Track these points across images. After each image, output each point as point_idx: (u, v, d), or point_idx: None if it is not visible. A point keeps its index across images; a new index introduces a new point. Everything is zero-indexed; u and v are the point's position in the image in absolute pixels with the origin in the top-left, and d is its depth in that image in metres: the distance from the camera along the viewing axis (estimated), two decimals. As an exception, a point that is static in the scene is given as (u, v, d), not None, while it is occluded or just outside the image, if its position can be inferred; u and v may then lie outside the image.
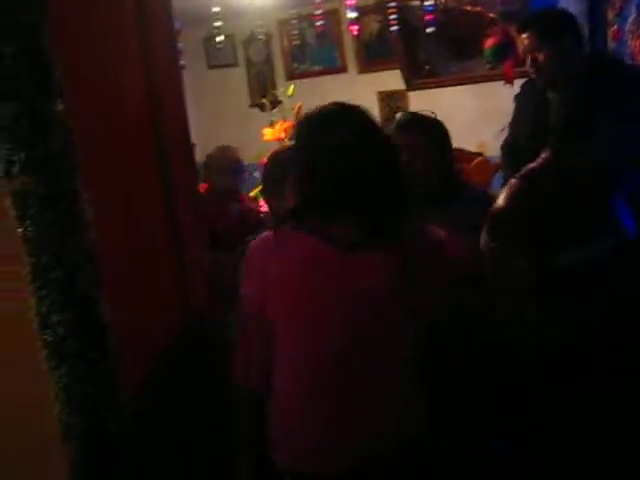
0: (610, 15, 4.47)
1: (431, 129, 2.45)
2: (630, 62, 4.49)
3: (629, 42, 4.48)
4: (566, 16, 2.97)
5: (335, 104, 1.75)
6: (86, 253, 0.89)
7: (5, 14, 0.83)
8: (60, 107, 0.87)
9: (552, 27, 2.90)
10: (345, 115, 1.71)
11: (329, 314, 1.55)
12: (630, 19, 4.46)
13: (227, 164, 3.28)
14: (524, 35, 2.91)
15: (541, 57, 2.85)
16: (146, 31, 1.02)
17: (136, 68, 1.01)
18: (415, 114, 2.54)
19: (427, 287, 1.66)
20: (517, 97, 3.18)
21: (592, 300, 1.92)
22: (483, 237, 2.04)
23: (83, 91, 0.94)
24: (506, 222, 2.00)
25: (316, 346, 1.55)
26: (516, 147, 3.13)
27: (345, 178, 1.57)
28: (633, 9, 4.43)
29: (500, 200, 2.04)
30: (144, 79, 1.02)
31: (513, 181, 2.04)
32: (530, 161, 2.78)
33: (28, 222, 0.87)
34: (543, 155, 2.05)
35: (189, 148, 1.08)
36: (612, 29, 4.46)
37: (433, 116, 2.50)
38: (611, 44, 4.50)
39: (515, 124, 3.20)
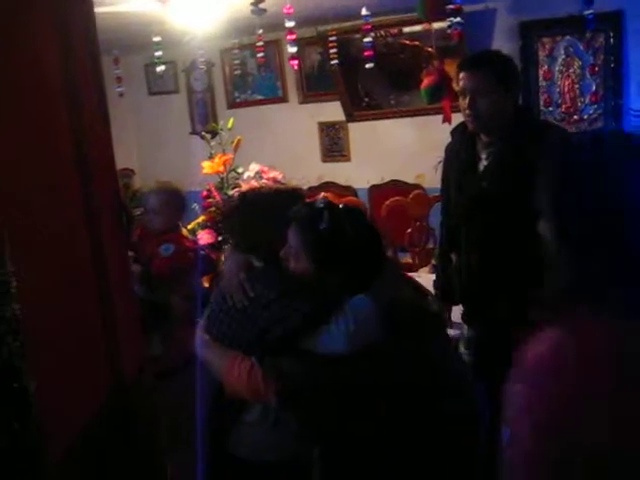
0: (541, 55, 4.66)
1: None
2: (560, 100, 4.69)
3: (559, 82, 4.69)
4: (515, 65, 2.74)
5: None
6: (11, 325, 0.89)
7: None
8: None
9: (507, 73, 2.64)
10: None
11: None
12: (559, 60, 4.68)
13: (153, 205, 3.17)
14: (470, 73, 2.62)
15: (485, 101, 2.57)
16: (74, 85, 1.01)
17: (66, 130, 1.01)
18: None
19: None
20: (447, 147, 2.96)
21: None
22: None
23: (10, 155, 0.93)
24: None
25: None
26: (449, 221, 2.96)
27: None
28: (562, 50, 4.65)
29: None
30: (74, 145, 1.02)
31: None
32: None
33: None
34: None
35: (120, 212, 1.08)
36: (543, 69, 4.66)
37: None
38: (542, 83, 4.69)
39: (444, 178, 3.00)
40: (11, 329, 0.89)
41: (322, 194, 2.15)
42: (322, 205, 1.98)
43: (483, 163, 2.70)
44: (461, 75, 2.65)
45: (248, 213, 2.22)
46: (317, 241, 1.94)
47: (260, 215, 2.16)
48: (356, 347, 1.92)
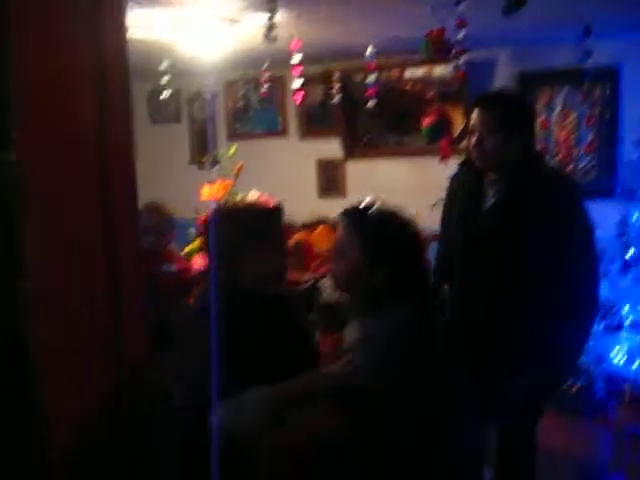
0: (539, 104, 4.77)
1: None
2: (555, 149, 4.78)
3: (555, 132, 4.79)
4: (530, 107, 2.71)
5: None
6: (23, 305, 0.90)
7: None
8: (12, 159, 0.89)
9: (518, 115, 2.65)
10: None
11: None
12: (557, 110, 4.79)
13: (151, 224, 3.21)
14: (480, 112, 2.61)
15: (492, 141, 2.57)
16: (103, 89, 1.05)
17: (90, 125, 1.04)
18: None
19: None
20: (453, 178, 2.96)
21: None
22: None
23: (36, 144, 0.96)
24: None
25: None
26: (446, 251, 2.98)
27: None
28: (560, 101, 4.76)
29: None
30: (97, 137, 1.05)
31: None
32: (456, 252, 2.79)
33: (-32, 268, 0.88)
34: None
35: (134, 208, 1.11)
36: (541, 118, 4.76)
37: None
38: (539, 131, 4.78)
39: (446, 208, 2.98)
40: (23, 309, 0.91)
41: (369, 198, 2.15)
42: (368, 203, 2.03)
43: (489, 200, 2.71)
44: (473, 113, 2.67)
45: (222, 228, 2.17)
46: (367, 228, 1.98)
47: (234, 230, 2.11)
48: None
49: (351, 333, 2.02)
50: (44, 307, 0.96)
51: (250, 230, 2.05)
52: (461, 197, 2.82)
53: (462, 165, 2.92)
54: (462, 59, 2.88)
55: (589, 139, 4.68)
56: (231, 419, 1.73)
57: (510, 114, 2.62)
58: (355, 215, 2.02)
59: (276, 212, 2.22)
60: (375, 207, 2.01)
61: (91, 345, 1.07)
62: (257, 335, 1.97)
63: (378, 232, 1.98)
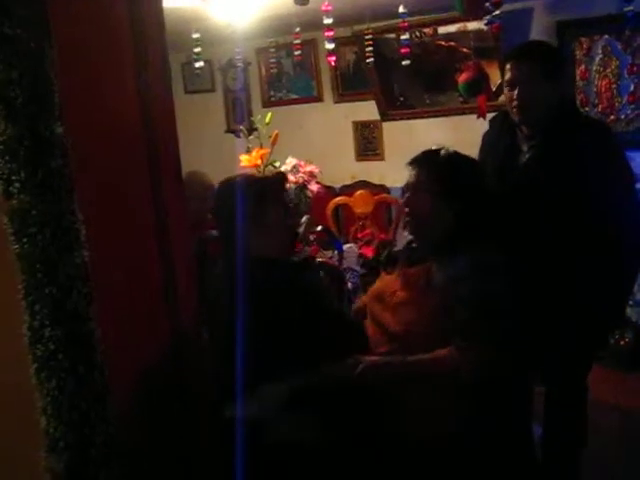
0: (578, 54, 4.64)
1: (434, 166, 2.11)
2: (596, 100, 4.67)
3: (596, 82, 4.67)
4: (564, 56, 2.82)
5: None
6: (79, 271, 0.93)
7: (11, 40, 0.88)
8: (59, 130, 0.91)
9: (556, 64, 2.65)
10: None
11: None
12: (597, 59, 4.66)
13: (194, 192, 3.27)
14: (513, 64, 2.60)
15: (532, 92, 2.55)
16: (143, 59, 1.07)
17: (132, 94, 1.06)
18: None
19: None
20: (485, 135, 2.95)
21: None
22: None
23: (81, 115, 0.99)
24: None
25: None
26: None
27: None
28: (599, 50, 4.63)
29: None
30: (139, 104, 1.07)
31: None
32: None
33: (25, 240, 0.91)
34: None
35: (179, 170, 1.14)
36: (580, 68, 4.64)
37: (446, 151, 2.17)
38: (579, 82, 4.67)
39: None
40: (80, 275, 0.94)
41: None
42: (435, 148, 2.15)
43: (525, 156, 2.69)
44: (508, 66, 2.65)
45: (225, 200, 2.18)
46: (437, 166, 2.08)
47: (238, 201, 2.10)
48: None
49: (435, 274, 2.07)
50: (100, 273, 1.00)
51: (251, 199, 2.05)
52: (496, 153, 2.80)
53: (493, 122, 2.92)
54: (497, 11, 2.81)
55: (631, 88, 4.56)
56: (251, 414, 1.74)
57: (544, 64, 2.59)
58: (425, 158, 2.13)
59: (276, 180, 2.25)
60: (443, 151, 2.12)
61: (146, 301, 1.10)
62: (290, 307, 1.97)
63: (448, 170, 2.08)
